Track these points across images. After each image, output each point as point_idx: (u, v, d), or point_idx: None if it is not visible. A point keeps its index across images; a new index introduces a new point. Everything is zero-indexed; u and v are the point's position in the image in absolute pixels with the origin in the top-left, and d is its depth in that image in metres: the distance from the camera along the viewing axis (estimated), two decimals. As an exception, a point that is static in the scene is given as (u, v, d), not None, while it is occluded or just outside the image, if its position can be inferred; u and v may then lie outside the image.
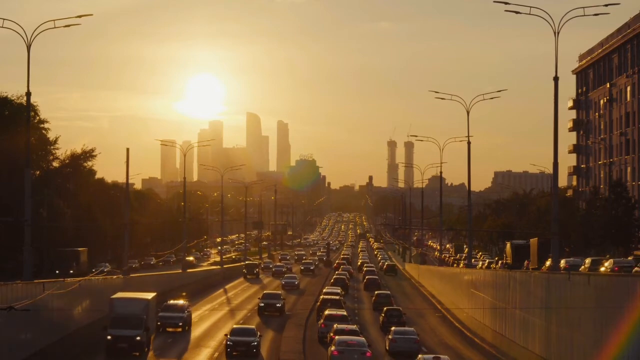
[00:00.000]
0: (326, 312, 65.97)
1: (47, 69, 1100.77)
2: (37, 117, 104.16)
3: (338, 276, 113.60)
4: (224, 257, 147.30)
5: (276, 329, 69.66)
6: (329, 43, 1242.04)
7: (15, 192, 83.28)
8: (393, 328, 61.32)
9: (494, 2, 56.36)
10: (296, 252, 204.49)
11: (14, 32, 56.86)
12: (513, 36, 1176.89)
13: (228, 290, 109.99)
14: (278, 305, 79.79)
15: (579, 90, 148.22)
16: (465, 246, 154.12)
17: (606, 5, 55.32)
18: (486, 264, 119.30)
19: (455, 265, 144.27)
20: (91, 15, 59.15)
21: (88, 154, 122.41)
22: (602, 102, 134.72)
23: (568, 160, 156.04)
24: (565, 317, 44.47)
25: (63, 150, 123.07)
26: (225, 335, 56.44)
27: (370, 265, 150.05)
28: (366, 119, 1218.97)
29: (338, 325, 57.97)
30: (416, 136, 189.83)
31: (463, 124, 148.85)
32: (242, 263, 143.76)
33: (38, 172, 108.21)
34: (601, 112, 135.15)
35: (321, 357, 55.81)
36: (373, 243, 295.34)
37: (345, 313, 67.13)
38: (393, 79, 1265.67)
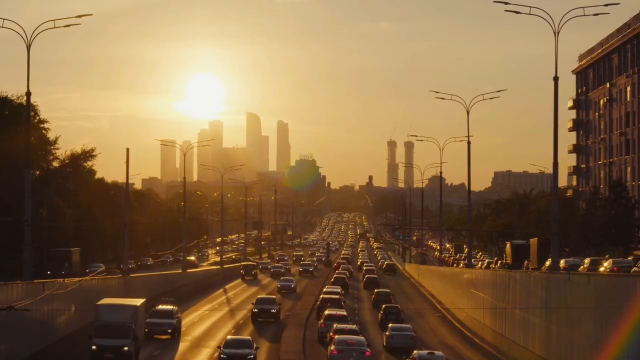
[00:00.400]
0: (326, 312, 66.12)
1: (47, 69, 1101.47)
2: (37, 117, 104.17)
3: (338, 275, 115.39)
4: (224, 257, 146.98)
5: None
6: (329, 43, 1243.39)
7: (15, 192, 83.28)
8: (390, 325, 63.02)
9: (494, 2, 56.36)
10: (295, 253, 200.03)
11: (14, 32, 56.92)
12: (513, 36, 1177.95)
13: (228, 290, 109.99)
14: (273, 310, 74.49)
15: (579, 90, 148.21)
16: (465, 246, 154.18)
17: (606, 5, 55.30)
18: (485, 264, 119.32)
19: (455, 265, 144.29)
20: (91, 15, 59.25)
21: (88, 154, 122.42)
22: (602, 102, 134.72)
23: (568, 160, 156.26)
24: (565, 317, 44.46)
25: (63, 150, 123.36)
26: (218, 347, 51.98)
27: (370, 264, 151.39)
28: (366, 119, 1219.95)
29: (338, 325, 58.09)
30: (416, 136, 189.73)
31: (463, 124, 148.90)
32: (241, 263, 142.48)
33: (38, 172, 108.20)
34: (601, 112, 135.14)
35: (321, 357, 55.81)
36: (373, 243, 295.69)
37: (345, 313, 67.22)
38: (393, 79, 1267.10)
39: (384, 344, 61.20)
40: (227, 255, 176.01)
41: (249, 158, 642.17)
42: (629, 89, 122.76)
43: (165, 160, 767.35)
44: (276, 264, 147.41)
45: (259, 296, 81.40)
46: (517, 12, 56.49)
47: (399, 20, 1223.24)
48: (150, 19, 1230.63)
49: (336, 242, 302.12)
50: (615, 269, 56.39)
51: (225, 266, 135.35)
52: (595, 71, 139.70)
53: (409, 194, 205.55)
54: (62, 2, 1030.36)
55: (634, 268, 54.40)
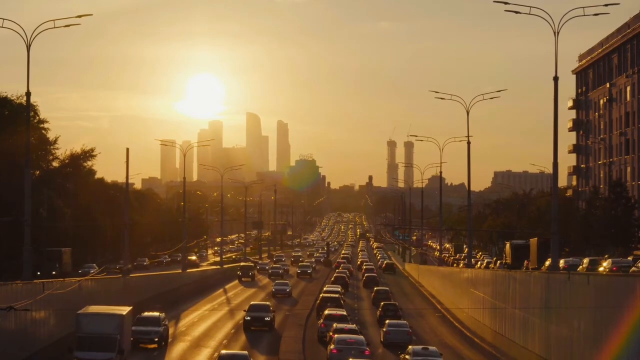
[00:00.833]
0: (326, 312, 66.32)
1: (47, 69, 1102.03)
2: (37, 117, 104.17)
3: (338, 274, 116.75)
4: (224, 257, 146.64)
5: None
6: (329, 43, 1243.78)
7: (15, 192, 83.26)
8: (387, 321, 64.93)
9: (494, 2, 56.33)
10: (293, 254, 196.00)
11: (14, 32, 56.88)
12: (513, 36, 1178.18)
13: (228, 290, 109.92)
14: (267, 319, 68.33)
15: (579, 90, 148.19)
16: (465, 246, 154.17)
17: (606, 5, 55.27)
18: (484, 264, 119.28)
19: (455, 265, 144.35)
20: (91, 15, 59.16)
21: (88, 154, 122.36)
22: (602, 102, 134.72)
23: (568, 160, 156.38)
24: (565, 317, 44.46)
25: (63, 150, 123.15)
26: None
27: (369, 264, 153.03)
28: (366, 119, 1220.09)
29: (337, 325, 58.37)
30: (416, 136, 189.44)
31: (463, 124, 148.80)
32: (238, 264, 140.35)
33: (38, 172, 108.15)
34: (601, 112, 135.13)
35: (321, 356, 55.86)
36: (373, 243, 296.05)
37: (344, 313, 67.39)
38: (393, 79, 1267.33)
39: (381, 339, 62.88)
40: (227, 256, 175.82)
41: (248, 158, 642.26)
42: (628, 89, 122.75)
43: (165, 160, 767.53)
44: (274, 265, 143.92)
45: (251, 302, 74.39)
46: (517, 12, 56.48)
47: (399, 20, 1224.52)
48: (150, 19, 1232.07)
49: (335, 243, 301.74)
50: (614, 268, 56.38)
51: (225, 266, 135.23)
52: (595, 71, 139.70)
53: (409, 194, 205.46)
54: (62, 2, 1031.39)
55: (633, 268, 54.35)
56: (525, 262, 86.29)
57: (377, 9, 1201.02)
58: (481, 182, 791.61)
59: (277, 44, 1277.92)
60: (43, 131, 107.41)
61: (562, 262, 66.07)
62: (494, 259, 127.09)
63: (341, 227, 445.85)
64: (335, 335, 53.79)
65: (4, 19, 57.28)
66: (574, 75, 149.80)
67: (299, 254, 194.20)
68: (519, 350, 53.69)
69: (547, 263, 65.74)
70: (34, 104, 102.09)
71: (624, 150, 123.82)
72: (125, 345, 48.63)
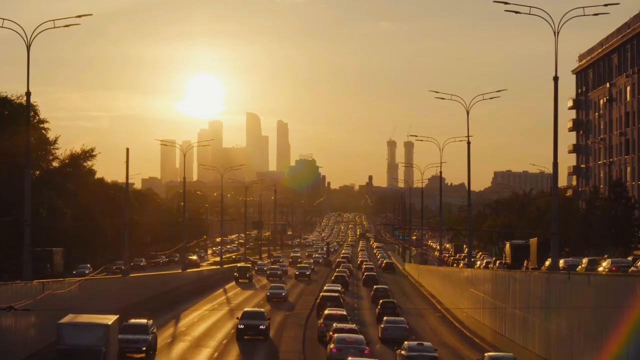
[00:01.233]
0: (326, 312, 66.47)
1: (47, 69, 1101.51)
2: (37, 117, 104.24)
3: (338, 274, 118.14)
4: (224, 257, 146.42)
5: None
6: (329, 43, 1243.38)
7: (15, 192, 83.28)
8: (385, 318, 66.69)
9: (494, 2, 56.35)
10: (292, 254, 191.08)
11: (14, 32, 56.86)
12: (513, 36, 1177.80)
13: (227, 290, 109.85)
14: (262, 327, 63.23)
15: (579, 90, 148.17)
16: (465, 246, 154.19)
17: (606, 5, 55.28)
18: (484, 264, 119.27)
19: (455, 265, 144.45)
20: (91, 15, 59.19)
21: (88, 154, 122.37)
22: (602, 102, 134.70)
23: (568, 160, 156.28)
24: (565, 317, 44.47)
25: (63, 150, 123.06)
26: None
27: (369, 263, 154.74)
28: (366, 119, 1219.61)
29: (337, 324, 58.59)
30: (416, 136, 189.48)
31: (463, 124, 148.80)
32: (236, 265, 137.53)
33: (38, 172, 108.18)
34: (601, 112, 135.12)
35: (321, 356, 55.90)
36: (373, 243, 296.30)
37: (344, 312, 67.53)
38: (393, 79, 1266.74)
39: (379, 335, 64.55)
40: (227, 256, 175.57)
41: (248, 158, 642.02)
42: (628, 89, 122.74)
43: (165, 160, 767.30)
44: (272, 266, 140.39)
45: (245, 309, 68.77)
46: (517, 12, 56.49)
47: (399, 20, 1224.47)
48: (150, 19, 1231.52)
49: (335, 243, 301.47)
50: (614, 268, 56.40)
51: (225, 266, 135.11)
52: (595, 71, 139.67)
53: (409, 194, 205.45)
54: (62, 2, 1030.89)
55: (632, 268, 54.36)
56: (525, 262, 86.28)
57: (377, 9, 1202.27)
58: (481, 182, 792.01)
59: (277, 44, 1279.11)
60: (43, 131, 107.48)
61: (562, 262, 66.10)
62: (494, 259, 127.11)
63: (341, 227, 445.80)
64: (335, 335, 54.01)
65: (4, 19, 57.34)
66: (574, 75, 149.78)
67: (298, 254, 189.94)
68: (518, 350, 53.67)
69: (547, 263, 65.75)
70: (34, 104, 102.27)
71: (624, 150, 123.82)
72: (111, 358, 45.51)
